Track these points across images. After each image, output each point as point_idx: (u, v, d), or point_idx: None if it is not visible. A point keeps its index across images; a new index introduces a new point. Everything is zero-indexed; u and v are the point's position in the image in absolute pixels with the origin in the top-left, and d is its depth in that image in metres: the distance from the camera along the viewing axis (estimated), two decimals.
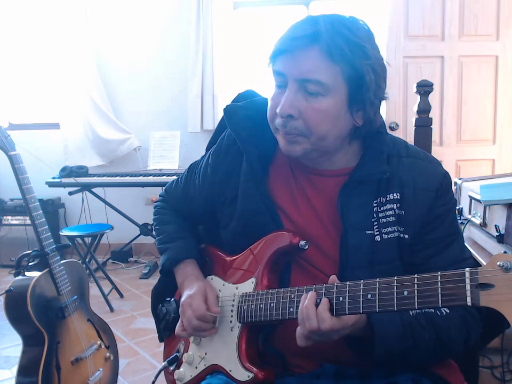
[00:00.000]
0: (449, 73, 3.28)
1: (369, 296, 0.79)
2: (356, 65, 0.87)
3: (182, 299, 1.05)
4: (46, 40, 4.15)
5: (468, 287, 0.68)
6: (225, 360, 1.00)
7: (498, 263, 0.66)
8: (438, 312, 0.91)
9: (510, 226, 1.34)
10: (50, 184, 3.58)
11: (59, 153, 4.12)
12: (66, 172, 3.57)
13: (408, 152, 1.00)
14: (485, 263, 1.34)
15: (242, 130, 1.05)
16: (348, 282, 0.83)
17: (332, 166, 1.00)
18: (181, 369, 1.09)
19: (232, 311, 1.01)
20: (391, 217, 0.95)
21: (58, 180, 3.56)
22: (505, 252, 1.33)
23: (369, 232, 0.95)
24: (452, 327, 0.91)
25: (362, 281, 0.81)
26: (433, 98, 2.36)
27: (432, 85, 1.93)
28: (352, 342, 0.90)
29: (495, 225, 1.40)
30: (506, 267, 0.65)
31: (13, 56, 4.30)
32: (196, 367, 1.06)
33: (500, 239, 1.38)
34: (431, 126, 1.92)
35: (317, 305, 0.83)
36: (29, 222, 2.10)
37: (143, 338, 2.65)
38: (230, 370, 0.98)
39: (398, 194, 0.95)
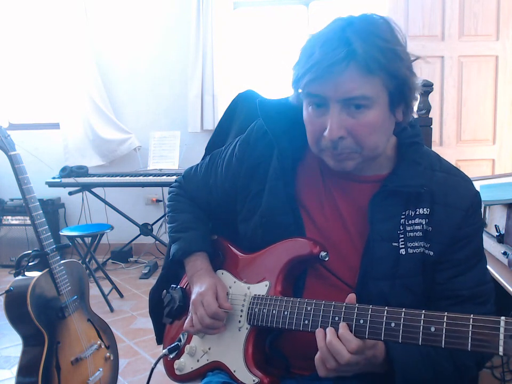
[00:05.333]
0: (449, 73, 3.28)
1: (392, 324, 0.77)
2: (394, 70, 0.86)
3: (193, 297, 1.04)
4: (46, 40, 4.15)
5: (501, 336, 0.67)
6: (230, 360, 0.99)
7: None
8: None
9: (510, 226, 1.34)
10: (50, 184, 3.58)
11: (59, 153, 4.12)
12: (66, 172, 3.57)
13: (441, 166, 0.98)
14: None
15: (277, 126, 1.03)
16: (370, 306, 0.81)
17: (363, 173, 0.98)
18: (181, 359, 1.08)
19: (242, 311, 1.00)
20: (418, 232, 0.93)
21: (58, 180, 3.56)
22: (505, 252, 1.33)
23: (395, 244, 0.93)
24: (467, 353, 0.91)
25: (386, 308, 0.79)
26: (433, 98, 2.36)
27: (432, 85, 1.93)
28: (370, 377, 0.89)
29: (495, 225, 1.40)
30: None
31: (13, 56, 4.30)
32: (198, 360, 1.05)
33: (500, 239, 1.38)
34: (431, 126, 1.92)
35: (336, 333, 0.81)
36: (29, 222, 2.10)
37: (143, 338, 2.65)
38: (234, 371, 0.98)
39: (427, 209, 0.93)
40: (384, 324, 0.78)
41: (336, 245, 0.97)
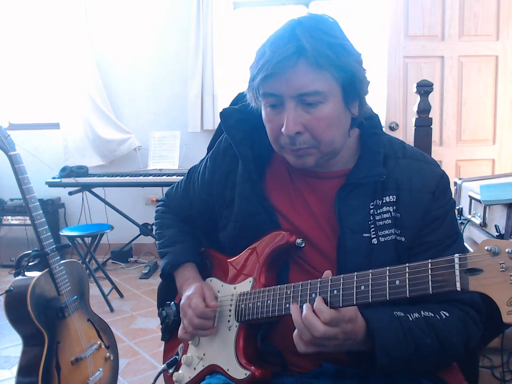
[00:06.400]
0: (449, 73, 3.28)
1: (362, 287, 0.79)
2: (343, 64, 0.89)
3: (182, 302, 1.06)
4: (46, 40, 4.15)
5: (457, 272, 0.69)
6: (223, 360, 1.01)
7: (486, 248, 0.67)
8: (437, 316, 0.90)
9: (510, 226, 1.34)
10: (50, 184, 3.58)
11: (59, 153, 4.12)
12: (66, 172, 3.58)
13: (405, 153, 1.00)
14: None
15: (237, 133, 1.06)
16: (342, 275, 0.83)
17: (330, 168, 1.00)
18: (180, 371, 1.09)
19: (230, 310, 1.02)
20: (387, 220, 0.95)
21: (58, 180, 3.56)
22: None
23: (366, 235, 0.95)
24: (452, 330, 0.90)
25: (356, 273, 0.81)
26: (433, 98, 2.36)
27: (432, 85, 1.93)
28: (354, 355, 0.90)
29: (495, 225, 1.40)
30: (494, 251, 0.66)
31: (13, 56, 4.30)
32: (195, 368, 1.06)
33: (500, 239, 1.38)
34: (431, 126, 1.92)
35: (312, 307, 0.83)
36: (29, 222, 2.10)
37: (143, 338, 2.65)
38: (228, 369, 0.99)
39: (394, 196, 0.95)
40: (355, 289, 0.80)
41: (313, 241, 0.99)
